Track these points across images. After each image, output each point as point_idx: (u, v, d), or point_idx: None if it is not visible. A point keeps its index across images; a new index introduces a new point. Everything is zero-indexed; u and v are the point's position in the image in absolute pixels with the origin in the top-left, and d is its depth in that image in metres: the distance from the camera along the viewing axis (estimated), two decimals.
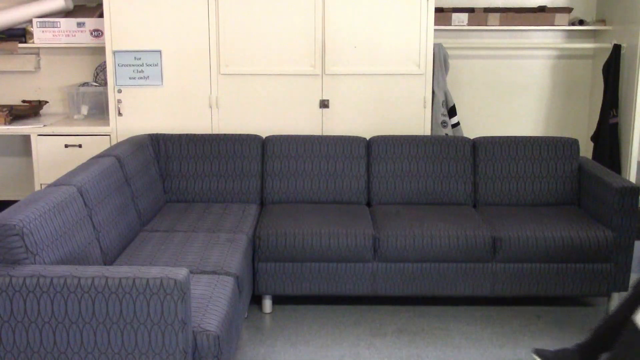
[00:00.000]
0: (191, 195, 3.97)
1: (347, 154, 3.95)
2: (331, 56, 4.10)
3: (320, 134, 4.18)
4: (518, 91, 4.84)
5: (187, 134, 4.03)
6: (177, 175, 3.97)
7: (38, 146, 4.18)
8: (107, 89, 4.23)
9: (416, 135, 4.03)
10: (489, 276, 3.46)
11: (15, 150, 4.78)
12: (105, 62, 4.22)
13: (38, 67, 4.67)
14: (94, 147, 4.04)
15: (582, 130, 4.77)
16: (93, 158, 3.39)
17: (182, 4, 4.07)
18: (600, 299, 3.65)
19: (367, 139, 4.00)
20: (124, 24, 4.09)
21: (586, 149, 4.58)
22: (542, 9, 4.60)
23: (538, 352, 2.97)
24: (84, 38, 4.39)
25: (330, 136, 4.03)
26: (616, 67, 4.39)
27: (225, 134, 4.05)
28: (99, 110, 4.52)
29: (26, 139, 4.31)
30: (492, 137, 3.99)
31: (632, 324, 2.44)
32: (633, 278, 3.51)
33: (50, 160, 4.17)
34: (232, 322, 2.65)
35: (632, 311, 2.51)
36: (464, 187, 3.91)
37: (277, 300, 3.60)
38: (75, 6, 4.52)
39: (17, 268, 2.25)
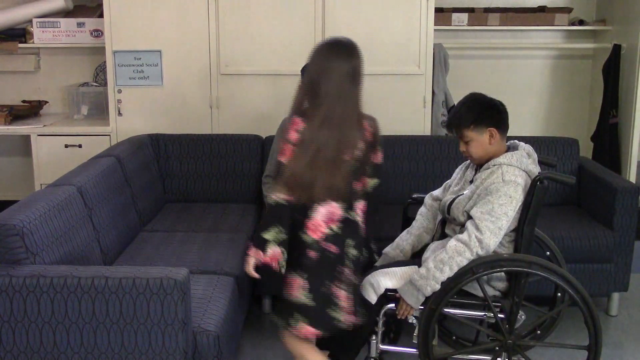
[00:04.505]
0: (191, 195, 3.96)
1: None
2: None
3: None
4: (518, 91, 4.83)
5: (187, 134, 4.02)
6: (177, 175, 3.97)
7: (38, 146, 4.18)
8: (107, 89, 4.22)
9: (416, 136, 4.04)
10: None
11: (15, 150, 4.78)
12: (105, 62, 4.22)
13: (38, 67, 4.67)
14: (94, 147, 4.02)
15: (582, 130, 4.77)
16: (93, 158, 3.39)
17: (182, 4, 4.07)
18: (600, 299, 3.65)
19: None
20: (124, 24, 4.09)
21: (586, 149, 4.57)
22: (542, 9, 4.59)
23: None
24: (84, 38, 4.39)
25: None
26: (616, 67, 4.38)
27: (225, 134, 4.05)
28: (99, 110, 4.51)
29: (26, 139, 4.30)
30: None
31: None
32: (633, 278, 3.53)
33: (50, 160, 4.17)
34: (232, 322, 2.65)
35: None
36: None
37: (277, 301, 3.59)
38: (75, 6, 4.52)
39: (17, 268, 2.25)
